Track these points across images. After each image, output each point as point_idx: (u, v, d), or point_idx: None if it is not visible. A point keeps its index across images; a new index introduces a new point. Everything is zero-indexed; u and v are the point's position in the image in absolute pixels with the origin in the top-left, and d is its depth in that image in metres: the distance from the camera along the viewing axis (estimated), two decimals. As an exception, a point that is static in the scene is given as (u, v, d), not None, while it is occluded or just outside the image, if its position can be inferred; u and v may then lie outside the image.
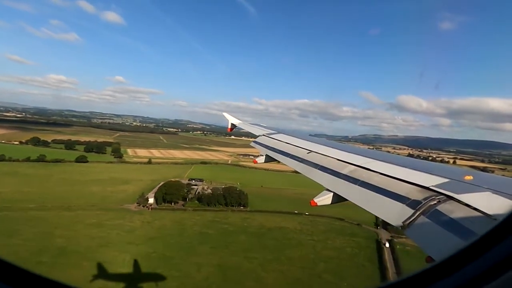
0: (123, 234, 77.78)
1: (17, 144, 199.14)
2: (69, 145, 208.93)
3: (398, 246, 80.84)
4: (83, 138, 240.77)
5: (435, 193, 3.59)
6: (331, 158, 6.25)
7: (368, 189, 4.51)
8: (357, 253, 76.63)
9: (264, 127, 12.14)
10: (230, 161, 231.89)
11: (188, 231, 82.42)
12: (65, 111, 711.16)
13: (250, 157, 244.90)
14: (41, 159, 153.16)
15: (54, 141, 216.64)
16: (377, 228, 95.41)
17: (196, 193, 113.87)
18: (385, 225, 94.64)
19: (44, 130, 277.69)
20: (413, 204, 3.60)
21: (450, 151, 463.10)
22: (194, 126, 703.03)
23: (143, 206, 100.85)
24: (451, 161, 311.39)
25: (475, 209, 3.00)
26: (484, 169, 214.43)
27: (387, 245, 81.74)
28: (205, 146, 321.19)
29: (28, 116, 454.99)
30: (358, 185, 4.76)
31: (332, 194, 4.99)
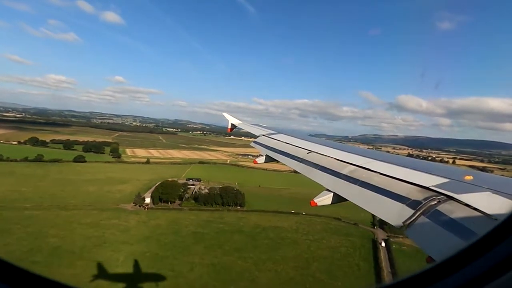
0: (118, 233, 77.59)
1: (15, 144, 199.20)
2: (68, 145, 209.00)
3: (394, 246, 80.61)
4: (81, 138, 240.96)
5: (435, 193, 3.58)
6: (331, 158, 6.22)
7: (368, 189, 4.50)
8: (351, 252, 76.33)
9: (264, 127, 12.13)
10: (228, 161, 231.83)
11: (183, 231, 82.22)
12: (65, 111, 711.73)
13: (249, 157, 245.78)
14: (38, 159, 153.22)
15: (52, 141, 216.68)
16: (374, 228, 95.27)
17: (193, 193, 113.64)
18: (382, 224, 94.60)
19: (43, 130, 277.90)
20: (413, 204, 3.59)
21: (450, 151, 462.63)
22: (194, 126, 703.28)
23: (140, 206, 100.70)
24: (451, 161, 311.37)
25: (475, 209, 2.98)
26: (483, 169, 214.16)
27: (383, 244, 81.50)
28: (204, 146, 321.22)
29: (27, 116, 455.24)
30: (358, 185, 4.74)
31: (332, 194, 4.99)
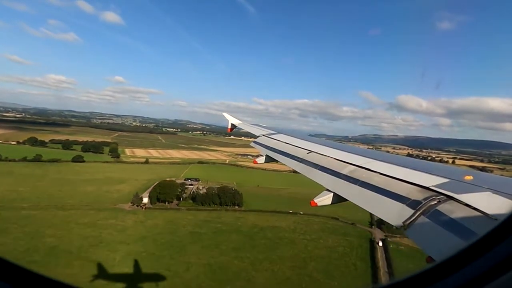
0: (115, 233, 77.55)
1: (14, 144, 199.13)
2: (67, 145, 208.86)
3: (391, 246, 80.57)
4: (81, 138, 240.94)
5: (435, 193, 3.58)
6: (331, 158, 6.24)
7: (368, 189, 4.51)
8: (348, 252, 76.22)
9: (264, 127, 12.16)
10: (228, 161, 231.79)
11: (180, 231, 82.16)
12: (65, 111, 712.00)
13: (249, 157, 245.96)
14: (37, 159, 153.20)
15: (51, 141, 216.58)
16: (372, 228, 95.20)
17: (191, 193, 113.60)
18: (380, 224, 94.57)
19: (42, 130, 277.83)
20: (413, 204, 3.59)
21: (450, 151, 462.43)
22: (194, 126, 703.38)
23: (137, 206, 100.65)
24: (450, 160, 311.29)
25: (475, 209, 2.98)
26: (482, 169, 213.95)
27: (380, 244, 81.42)
28: (204, 146, 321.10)
29: (27, 116, 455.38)
30: (358, 185, 4.75)
31: (332, 194, 4.99)
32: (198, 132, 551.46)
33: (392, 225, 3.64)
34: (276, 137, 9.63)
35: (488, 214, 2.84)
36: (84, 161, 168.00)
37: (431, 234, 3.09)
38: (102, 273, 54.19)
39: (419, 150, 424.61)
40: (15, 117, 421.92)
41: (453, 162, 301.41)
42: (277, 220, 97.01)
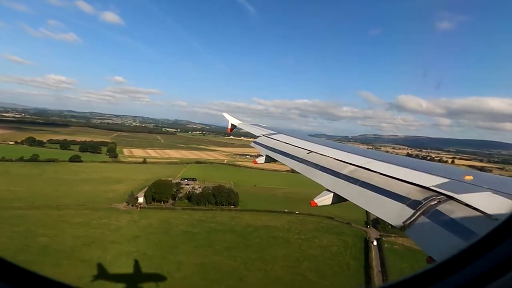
0: (108, 233, 77.27)
1: (12, 144, 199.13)
2: (65, 145, 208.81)
3: (385, 245, 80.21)
4: (79, 138, 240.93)
5: (435, 193, 3.58)
6: (331, 158, 6.25)
7: (368, 189, 4.51)
8: (342, 251, 75.85)
9: (264, 127, 12.18)
10: (226, 160, 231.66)
11: (174, 230, 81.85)
12: (64, 111, 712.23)
13: (247, 157, 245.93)
14: (34, 158, 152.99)
15: (49, 141, 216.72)
16: (367, 227, 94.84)
17: (187, 193, 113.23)
18: (375, 224, 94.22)
19: (41, 131, 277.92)
20: (413, 204, 3.59)
21: (450, 151, 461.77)
22: (194, 126, 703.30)
23: (132, 206, 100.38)
24: (450, 160, 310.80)
25: (475, 209, 2.97)
26: (482, 169, 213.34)
27: (375, 243, 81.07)
28: (203, 146, 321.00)
29: (27, 116, 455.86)
30: (358, 185, 4.76)
31: (332, 194, 5.00)
32: (198, 132, 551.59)
33: (392, 225, 3.64)
34: (276, 137, 9.68)
35: (488, 214, 2.83)
36: (81, 161, 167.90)
37: (431, 234, 3.09)
38: (102, 273, 54.07)
39: (418, 150, 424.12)
40: (15, 117, 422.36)
41: (453, 162, 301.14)
42: (272, 219, 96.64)
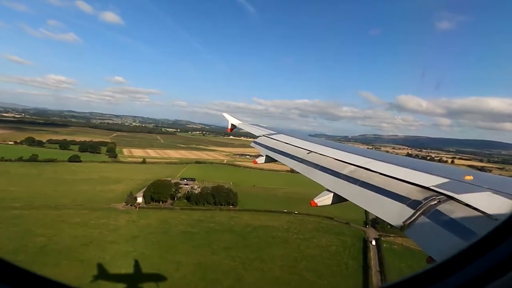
0: (106, 233, 77.18)
1: (11, 144, 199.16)
2: (64, 145, 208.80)
3: (384, 245, 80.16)
4: (79, 138, 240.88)
5: (435, 193, 3.58)
6: (331, 159, 6.27)
7: (368, 189, 4.53)
8: (341, 251, 75.77)
9: (264, 127, 12.22)
10: (225, 160, 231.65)
11: (172, 230, 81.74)
12: (64, 111, 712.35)
13: (247, 157, 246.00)
14: (33, 158, 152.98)
15: (49, 141, 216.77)
16: (366, 227, 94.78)
17: (186, 192, 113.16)
18: (374, 223, 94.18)
19: (41, 131, 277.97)
20: (413, 204, 3.60)
21: (450, 151, 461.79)
22: (194, 126, 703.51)
23: (131, 205, 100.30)
24: (449, 160, 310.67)
25: (475, 209, 2.98)
26: (481, 169, 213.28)
27: (373, 243, 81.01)
28: (202, 146, 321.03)
29: (27, 116, 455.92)
30: (358, 185, 4.77)
31: (332, 194, 5.01)
32: (198, 132, 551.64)
33: (393, 225, 3.62)
34: (276, 137, 9.68)
35: (488, 214, 2.82)
36: (80, 161, 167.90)
37: (431, 234, 3.09)
38: (102, 273, 54.01)
39: (418, 150, 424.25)
40: (14, 117, 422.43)
41: (452, 162, 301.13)
42: (271, 219, 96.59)
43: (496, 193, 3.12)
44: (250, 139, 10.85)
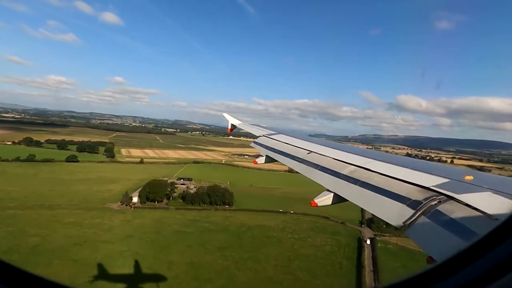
0: (100, 232, 77.01)
1: (9, 144, 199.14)
2: (62, 145, 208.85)
3: (379, 245, 79.96)
4: (77, 138, 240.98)
5: (435, 193, 3.58)
6: (331, 159, 6.29)
7: (368, 189, 4.53)
8: (335, 251, 75.49)
9: (264, 127, 12.24)
10: (224, 160, 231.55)
11: (167, 230, 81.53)
12: (64, 112, 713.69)
13: (245, 157, 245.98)
14: (30, 158, 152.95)
15: (47, 141, 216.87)
16: (362, 227, 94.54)
17: (182, 192, 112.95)
18: (370, 223, 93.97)
19: (40, 131, 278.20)
20: (413, 204, 3.59)
21: (449, 151, 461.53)
22: (194, 126, 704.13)
23: (126, 205, 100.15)
24: (449, 160, 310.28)
25: (475, 209, 2.97)
26: (481, 169, 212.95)
27: (368, 242, 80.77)
28: (201, 146, 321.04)
29: (26, 117, 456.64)
30: (359, 186, 4.78)
31: (332, 194, 5.03)
32: (197, 132, 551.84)
33: (393, 225, 3.61)
34: (276, 137, 9.71)
35: (488, 214, 2.81)
36: (78, 161, 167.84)
37: (431, 234, 3.08)
38: (101, 273, 53.90)
39: (418, 150, 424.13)
40: (14, 117, 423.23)
41: (452, 162, 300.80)
42: (267, 219, 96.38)
43: (497, 193, 3.11)
44: (249, 139, 10.87)
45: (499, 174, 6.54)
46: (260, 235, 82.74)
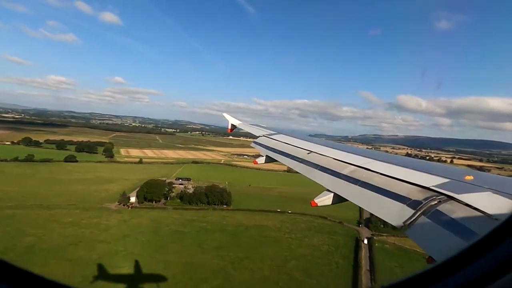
0: (97, 232, 76.90)
1: (8, 144, 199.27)
2: (61, 145, 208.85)
3: (376, 244, 79.78)
4: (76, 138, 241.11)
5: (435, 193, 3.58)
6: (331, 159, 6.31)
7: (368, 189, 4.54)
8: (332, 251, 75.32)
9: (264, 127, 12.27)
10: (223, 160, 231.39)
11: (163, 230, 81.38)
12: (64, 112, 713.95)
13: (245, 157, 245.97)
14: (29, 159, 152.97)
15: (46, 141, 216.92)
16: (359, 226, 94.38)
17: (179, 192, 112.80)
18: (367, 223, 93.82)
19: (39, 131, 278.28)
20: (413, 204, 3.59)
21: (449, 151, 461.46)
22: (194, 126, 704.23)
23: (124, 205, 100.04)
24: (449, 160, 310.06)
25: (476, 209, 2.98)
26: (480, 168, 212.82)
27: (365, 241, 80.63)
28: (201, 146, 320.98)
29: (26, 117, 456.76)
30: (359, 186, 4.79)
31: (332, 194, 5.03)
32: (197, 132, 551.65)
33: (393, 225, 3.60)
34: (276, 137, 9.73)
35: (489, 214, 2.82)
36: (76, 161, 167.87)
37: (431, 234, 3.08)
38: (102, 273, 53.79)
39: (418, 150, 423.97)
40: (14, 117, 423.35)
41: (451, 162, 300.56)
42: (264, 219, 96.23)
43: (497, 193, 3.10)
44: (249, 139, 10.85)
45: (499, 174, 6.72)
46: (257, 235, 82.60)
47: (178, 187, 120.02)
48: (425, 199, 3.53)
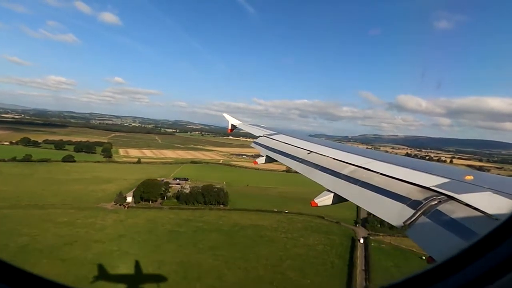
0: (92, 232, 76.66)
1: (7, 145, 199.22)
2: (59, 145, 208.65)
3: (373, 244, 79.47)
4: (75, 139, 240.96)
5: (435, 193, 3.56)
6: (331, 159, 6.31)
7: (368, 189, 4.53)
8: (328, 250, 74.98)
9: (264, 127, 12.27)
10: (221, 160, 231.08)
11: (159, 229, 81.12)
12: (64, 112, 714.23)
13: (244, 157, 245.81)
14: (26, 159, 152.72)
15: (45, 141, 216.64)
16: (356, 226, 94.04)
17: (176, 192, 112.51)
18: (364, 222, 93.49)
19: (38, 131, 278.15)
20: (413, 204, 3.58)
21: (449, 151, 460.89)
22: (194, 127, 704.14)
23: (120, 205, 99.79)
24: (448, 160, 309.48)
25: (476, 209, 2.97)
26: (480, 168, 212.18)
27: (361, 241, 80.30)
28: (200, 146, 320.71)
29: (26, 117, 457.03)
30: (359, 186, 4.78)
31: (332, 194, 5.03)
32: (197, 132, 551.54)
33: (393, 225, 3.59)
34: (276, 137, 9.74)
35: (489, 214, 2.81)
36: (74, 161, 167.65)
37: (431, 234, 3.08)
38: (102, 273, 53.55)
39: (418, 150, 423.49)
40: (14, 118, 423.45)
41: (451, 162, 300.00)
42: (261, 219, 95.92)
43: (497, 193, 3.08)
44: (249, 140, 10.84)
45: (499, 174, 6.66)
46: (252, 235, 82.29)
47: (175, 187, 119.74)
48: (425, 199, 3.51)
